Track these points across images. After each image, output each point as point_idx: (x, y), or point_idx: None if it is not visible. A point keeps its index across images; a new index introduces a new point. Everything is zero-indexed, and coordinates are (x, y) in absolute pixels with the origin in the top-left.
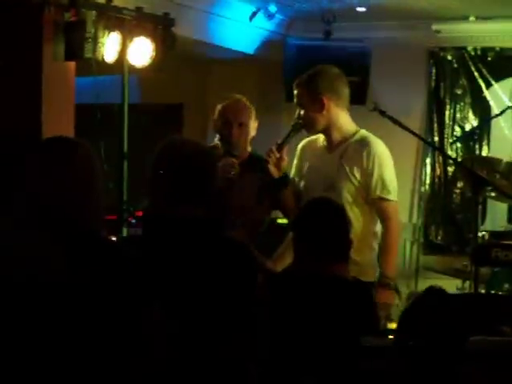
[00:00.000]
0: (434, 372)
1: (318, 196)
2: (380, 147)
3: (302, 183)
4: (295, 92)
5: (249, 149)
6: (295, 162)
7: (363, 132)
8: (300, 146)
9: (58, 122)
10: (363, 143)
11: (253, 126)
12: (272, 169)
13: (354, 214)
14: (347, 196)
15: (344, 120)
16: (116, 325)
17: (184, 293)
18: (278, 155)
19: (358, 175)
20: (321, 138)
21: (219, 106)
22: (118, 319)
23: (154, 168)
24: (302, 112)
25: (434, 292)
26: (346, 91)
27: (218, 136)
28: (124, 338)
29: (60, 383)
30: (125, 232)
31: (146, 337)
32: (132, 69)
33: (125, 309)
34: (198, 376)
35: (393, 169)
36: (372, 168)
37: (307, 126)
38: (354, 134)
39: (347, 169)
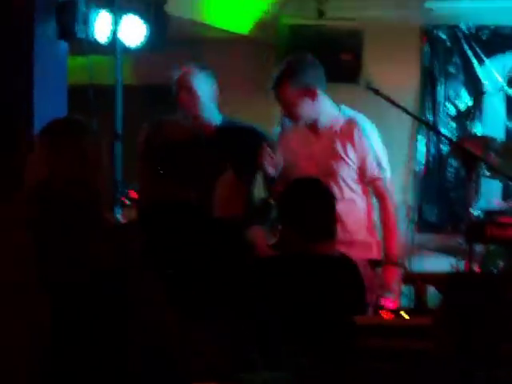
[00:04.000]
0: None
1: (300, 177)
2: (367, 125)
3: (294, 171)
4: (278, 88)
5: (217, 118)
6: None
7: (347, 110)
8: (277, 133)
9: (51, 103)
10: (351, 124)
11: (211, 93)
12: (269, 168)
13: (357, 194)
14: (346, 178)
15: (328, 104)
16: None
17: (181, 275)
18: (272, 154)
19: (352, 156)
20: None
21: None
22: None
23: (142, 153)
24: (289, 108)
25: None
26: (323, 74)
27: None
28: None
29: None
30: (118, 212)
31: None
32: (125, 49)
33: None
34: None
35: (381, 143)
36: (365, 147)
37: (298, 119)
38: (338, 115)
39: (341, 151)
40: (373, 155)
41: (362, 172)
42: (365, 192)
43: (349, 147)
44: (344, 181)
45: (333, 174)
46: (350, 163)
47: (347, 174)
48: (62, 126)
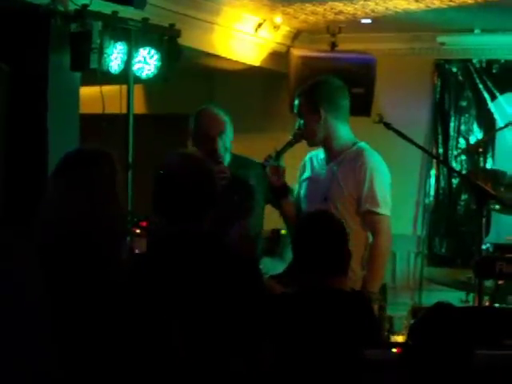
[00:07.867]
0: None
1: (315, 209)
2: (375, 159)
3: (303, 194)
4: (295, 102)
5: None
6: (299, 173)
7: (361, 144)
8: (307, 158)
9: (63, 132)
10: (358, 155)
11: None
12: (270, 175)
13: (347, 225)
14: (340, 207)
15: (343, 132)
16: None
17: (194, 307)
18: (275, 163)
19: (350, 187)
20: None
21: (198, 120)
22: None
23: (157, 186)
24: (302, 122)
25: (442, 307)
26: (345, 103)
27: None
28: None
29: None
30: (129, 242)
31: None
32: (137, 79)
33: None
34: None
35: (387, 182)
36: (363, 180)
37: (306, 136)
38: (352, 146)
39: (340, 180)
40: (369, 189)
41: (356, 203)
42: (356, 224)
43: (349, 175)
44: (339, 209)
45: (330, 201)
46: (345, 192)
47: (343, 202)
48: (73, 162)
